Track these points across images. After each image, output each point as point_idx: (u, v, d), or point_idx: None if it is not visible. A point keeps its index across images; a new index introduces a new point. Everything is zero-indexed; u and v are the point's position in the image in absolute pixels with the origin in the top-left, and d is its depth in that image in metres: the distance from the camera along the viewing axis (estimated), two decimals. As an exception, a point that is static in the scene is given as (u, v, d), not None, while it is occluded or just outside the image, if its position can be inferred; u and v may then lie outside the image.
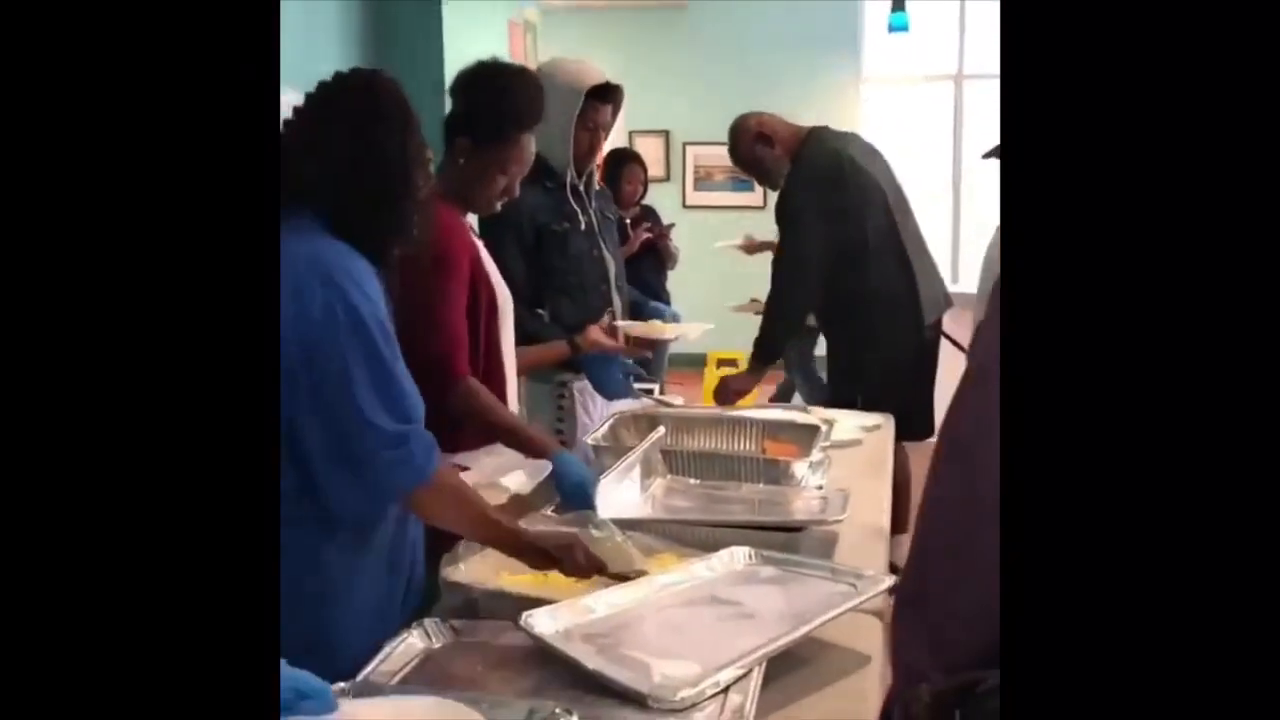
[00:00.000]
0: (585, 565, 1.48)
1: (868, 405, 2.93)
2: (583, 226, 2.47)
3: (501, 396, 2.00)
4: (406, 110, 1.49)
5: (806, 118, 7.39)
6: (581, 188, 2.50)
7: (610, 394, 2.36)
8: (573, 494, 1.84)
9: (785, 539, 1.70)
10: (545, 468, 1.91)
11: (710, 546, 1.62)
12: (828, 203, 3.11)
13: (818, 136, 3.36)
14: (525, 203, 2.24)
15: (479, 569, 1.58)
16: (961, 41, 7.79)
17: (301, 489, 1.36)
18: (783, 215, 3.29)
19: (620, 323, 2.45)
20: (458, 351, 1.89)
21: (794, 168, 3.23)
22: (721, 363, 5.50)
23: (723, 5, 7.81)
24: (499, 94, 1.96)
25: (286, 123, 1.48)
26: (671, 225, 5.17)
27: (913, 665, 0.94)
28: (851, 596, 1.34)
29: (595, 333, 2.27)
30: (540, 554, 1.48)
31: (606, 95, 2.45)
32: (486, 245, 2.11)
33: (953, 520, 0.94)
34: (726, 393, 3.22)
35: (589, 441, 2.19)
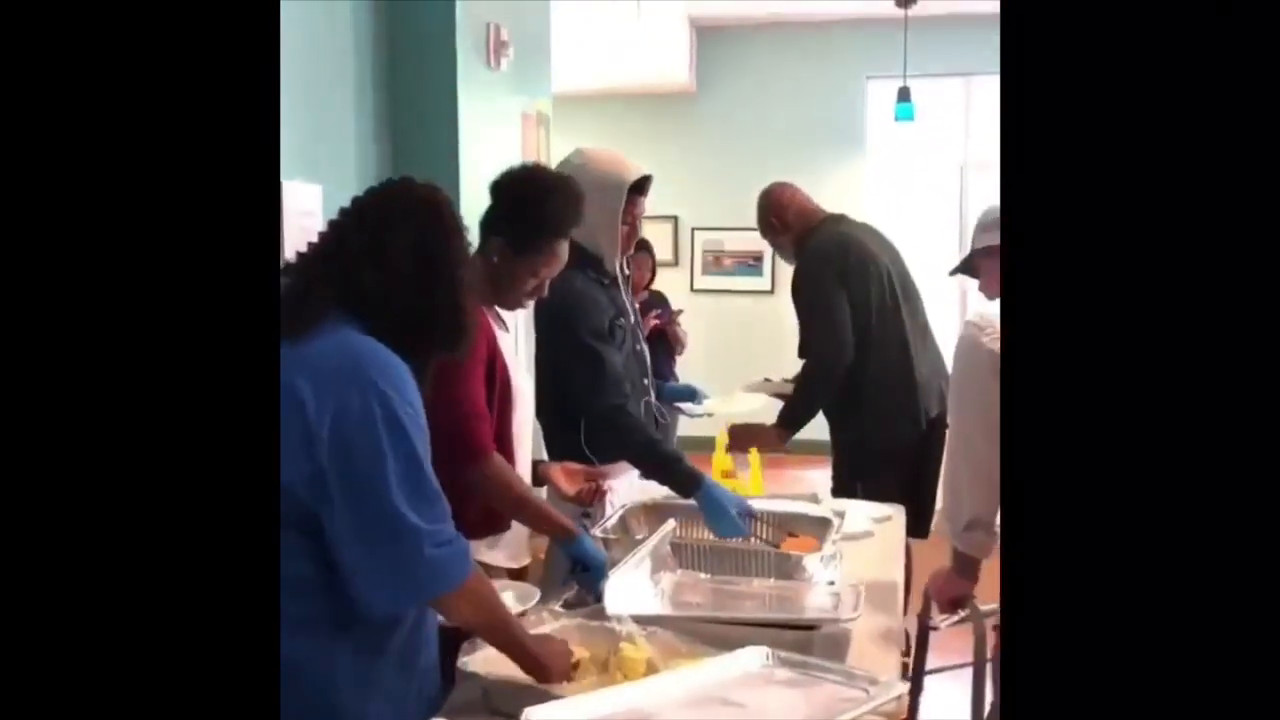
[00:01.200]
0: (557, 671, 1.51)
1: (868, 497, 2.92)
2: (632, 319, 2.52)
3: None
4: (461, 225, 1.53)
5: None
6: (622, 281, 2.54)
7: (723, 533, 2.21)
8: (593, 575, 1.90)
9: (797, 637, 1.70)
10: (534, 593, 1.93)
11: (724, 644, 1.61)
12: (839, 281, 3.18)
13: (829, 221, 3.41)
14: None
15: (496, 659, 1.58)
16: (966, 130, 7.92)
17: (322, 584, 1.36)
18: (798, 290, 3.32)
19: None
20: (481, 425, 1.91)
21: (806, 247, 3.32)
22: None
23: (731, 93, 7.97)
24: (539, 203, 2.01)
25: (335, 223, 1.51)
26: (679, 311, 5.21)
27: None
28: (862, 703, 1.33)
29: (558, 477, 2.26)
30: (535, 662, 1.50)
31: (643, 187, 2.50)
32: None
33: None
34: (744, 438, 3.13)
35: (597, 533, 2.19)
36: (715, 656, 1.52)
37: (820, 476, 5.20)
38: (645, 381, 2.53)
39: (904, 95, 6.79)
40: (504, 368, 2.03)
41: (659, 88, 7.84)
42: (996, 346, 1.97)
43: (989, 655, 2.11)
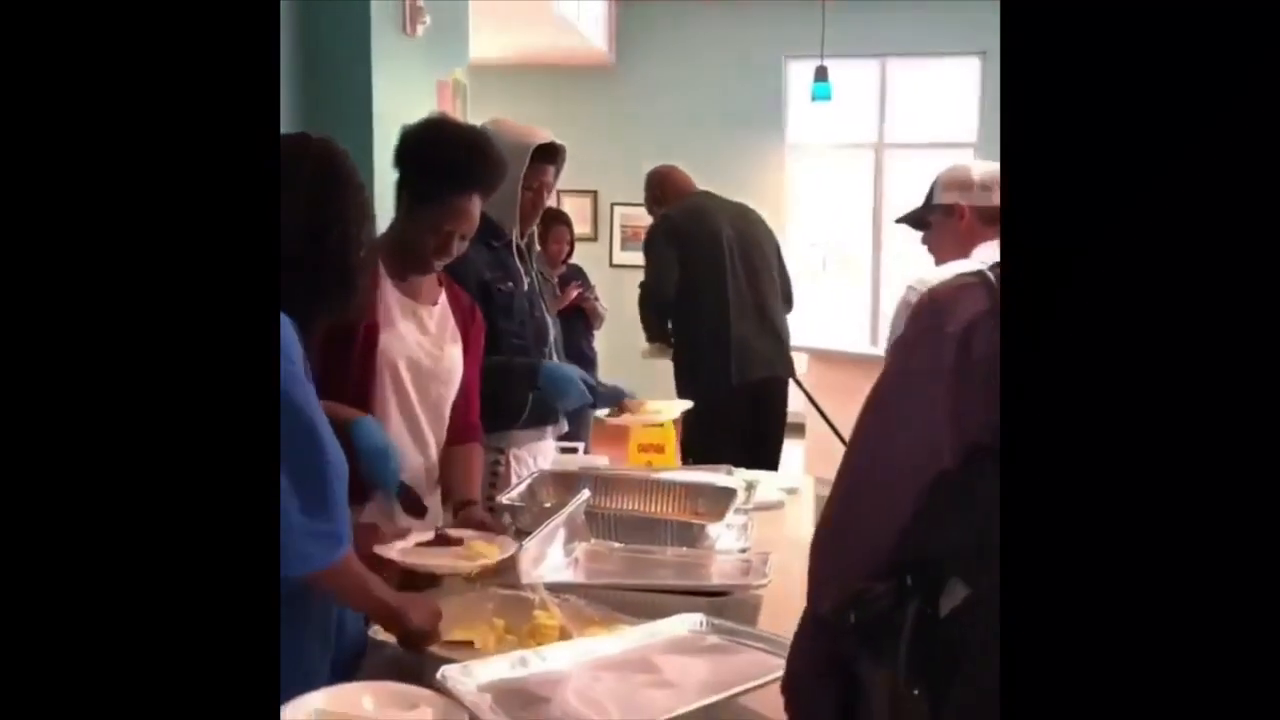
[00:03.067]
0: (416, 631, 1.47)
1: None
2: (525, 287, 2.48)
3: None
4: (358, 181, 1.49)
5: (732, 180, 7.49)
6: (524, 247, 2.52)
7: (570, 404, 2.40)
8: (374, 460, 1.82)
9: (710, 603, 1.72)
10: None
11: (638, 611, 1.63)
12: (671, 239, 3.79)
13: (692, 196, 4.08)
14: (473, 259, 2.24)
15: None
16: (882, 111, 8.04)
17: None
18: (644, 242, 4.05)
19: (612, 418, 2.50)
20: None
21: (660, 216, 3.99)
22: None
23: (650, 68, 7.97)
24: (434, 151, 1.97)
25: None
26: (593, 287, 5.22)
27: (823, 583, 1.18)
28: (778, 670, 1.36)
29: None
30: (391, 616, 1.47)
31: (550, 155, 2.48)
32: None
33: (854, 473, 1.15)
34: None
35: (504, 500, 2.19)
36: (638, 624, 1.54)
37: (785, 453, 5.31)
38: (544, 349, 2.51)
39: (821, 75, 6.86)
40: (371, 348, 1.98)
41: (578, 60, 7.81)
42: None
43: None
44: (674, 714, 1.23)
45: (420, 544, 1.82)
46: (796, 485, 2.80)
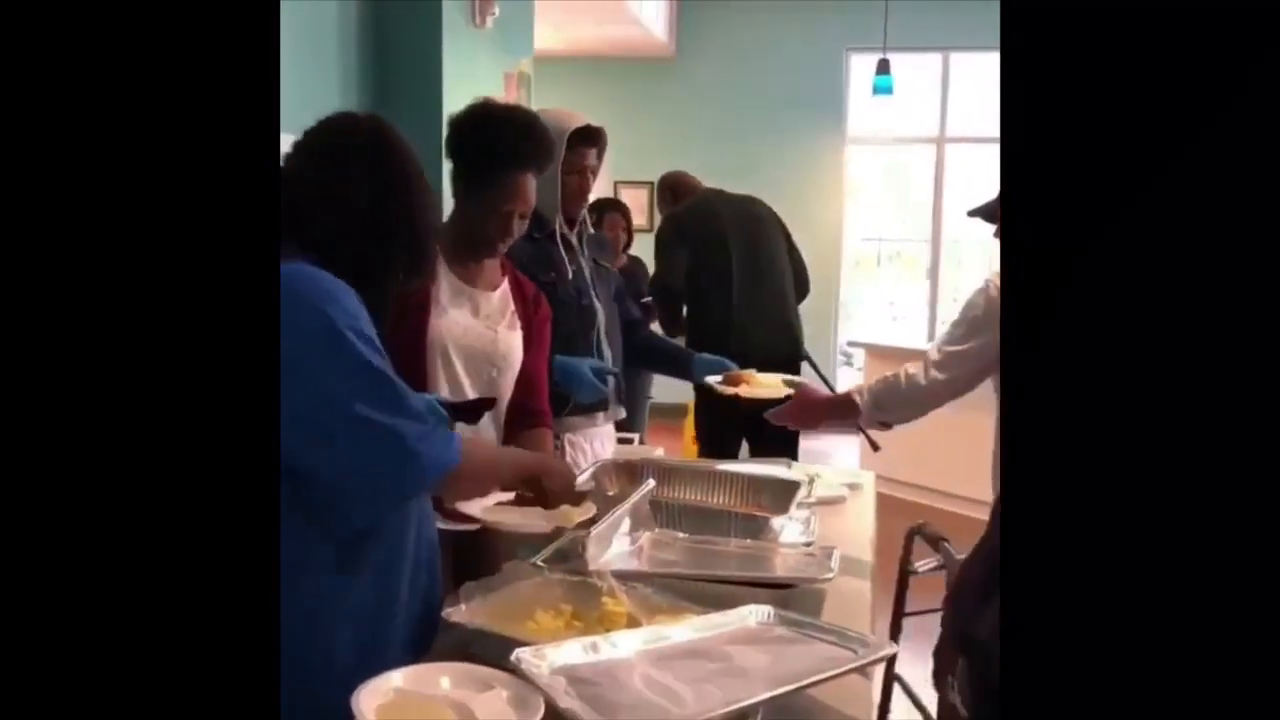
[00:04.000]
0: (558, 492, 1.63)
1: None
2: (570, 275, 2.49)
3: None
4: (412, 153, 1.50)
5: (791, 174, 7.46)
6: (573, 237, 2.52)
7: (585, 395, 2.42)
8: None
9: (773, 595, 1.74)
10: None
11: (703, 601, 1.65)
12: (679, 235, 3.96)
13: (699, 193, 4.23)
14: (510, 255, 2.24)
15: (479, 611, 1.61)
16: (944, 106, 7.96)
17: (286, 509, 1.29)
18: (656, 240, 4.14)
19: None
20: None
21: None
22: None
23: (711, 61, 7.96)
24: (484, 131, 2.01)
25: (285, 159, 1.48)
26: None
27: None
28: (845, 662, 1.37)
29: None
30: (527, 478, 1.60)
31: (590, 139, 2.48)
32: None
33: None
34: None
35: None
36: (705, 614, 1.56)
37: (834, 444, 5.33)
38: (591, 338, 2.51)
39: (883, 68, 6.83)
40: (423, 316, 2.01)
41: (640, 52, 7.83)
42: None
43: None
44: (745, 702, 1.24)
45: (501, 504, 1.84)
46: (858, 480, 2.80)
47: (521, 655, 1.36)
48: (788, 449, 3.81)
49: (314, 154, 1.48)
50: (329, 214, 1.43)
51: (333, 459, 1.32)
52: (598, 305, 2.53)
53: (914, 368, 2.32)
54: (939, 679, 1.41)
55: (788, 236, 4.23)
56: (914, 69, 7.58)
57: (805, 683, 1.33)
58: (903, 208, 8.41)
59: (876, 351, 5.93)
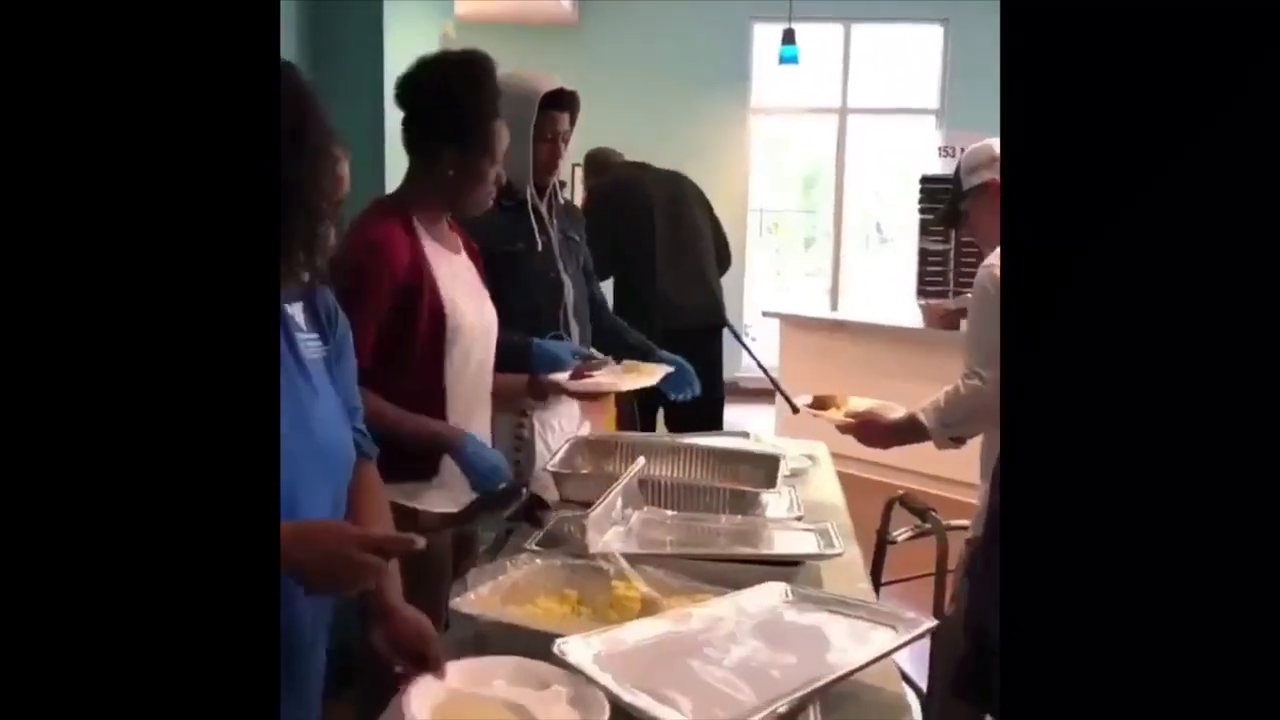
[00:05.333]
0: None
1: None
2: (539, 247, 2.37)
3: (442, 417, 1.95)
4: (306, 111, 1.23)
5: (694, 142, 7.43)
6: (543, 207, 2.41)
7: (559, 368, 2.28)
8: (487, 478, 1.89)
9: (775, 572, 1.71)
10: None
11: (705, 579, 1.61)
12: (606, 207, 3.98)
13: (620, 166, 4.38)
14: (476, 224, 2.12)
15: (488, 599, 1.54)
16: (846, 76, 8.04)
17: None
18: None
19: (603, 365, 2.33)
20: None
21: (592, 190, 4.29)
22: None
23: (614, 28, 7.86)
24: (464, 87, 1.90)
25: None
26: None
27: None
28: (888, 638, 1.35)
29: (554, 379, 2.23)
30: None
31: (563, 103, 2.36)
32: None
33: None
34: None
35: (548, 470, 2.15)
36: (721, 594, 1.52)
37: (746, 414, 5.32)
38: (557, 313, 2.40)
39: (789, 37, 6.84)
40: (435, 296, 1.90)
41: (541, 17, 7.67)
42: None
43: (950, 567, 2.22)
44: (808, 689, 1.21)
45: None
46: (813, 452, 2.79)
47: (565, 646, 1.30)
48: (711, 421, 3.81)
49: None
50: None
51: None
52: (566, 279, 2.42)
53: (966, 376, 2.20)
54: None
55: (710, 210, 4.28)
56: (817, 40, 7.62)
57: (863, 663, 1.31)
58: (807, 177, 8.49)
59: (789, 320, 5.97)
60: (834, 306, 7.78)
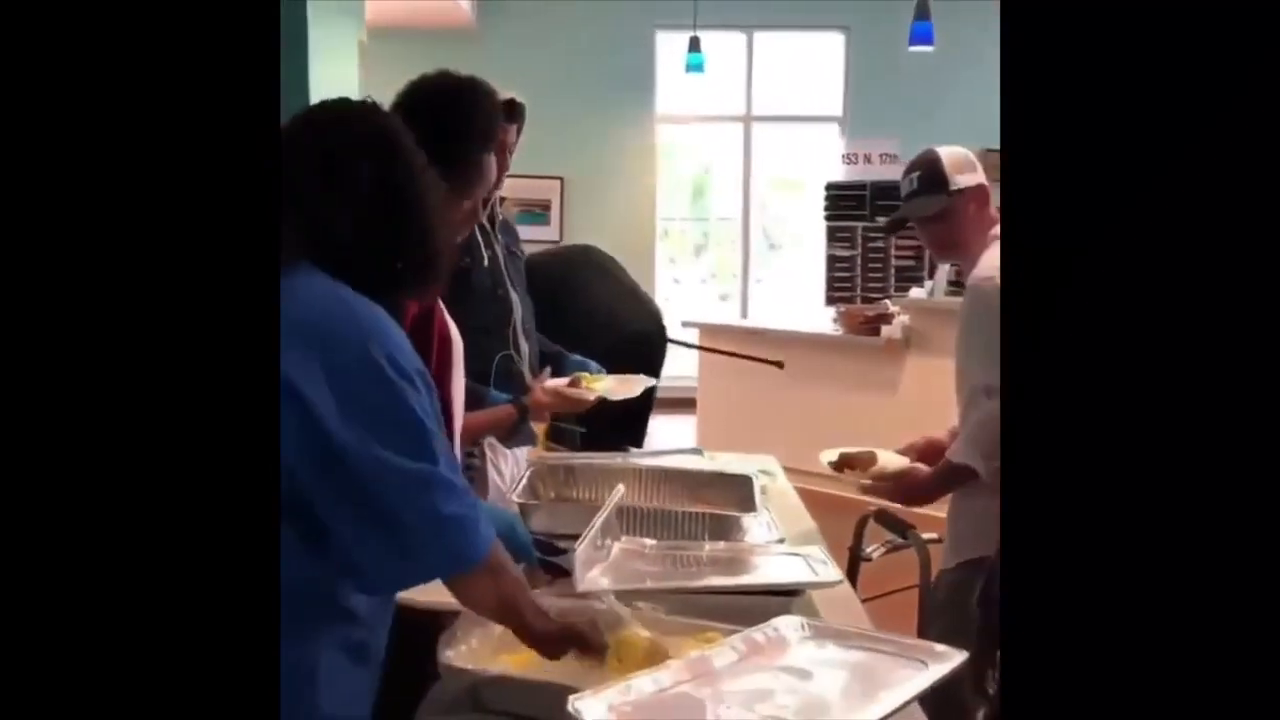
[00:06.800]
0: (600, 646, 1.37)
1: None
2: (485, 263, 2.27)
3: (452, 441, 1.84)
4: (413, 144, 1.32)
5: (600, 152, 7.38)
6: (485, 220, 2.31)
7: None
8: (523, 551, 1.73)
9: (771, 603, 1.62)
10: None
11: (712, 615, 1.52)
12: None
13: None
14: None
15: (479, 651, 1.42)
16: (749, 85, 8.06)
17: (308, 574, 1.16)
18: None
19: (552, 382, 2.25)
20: None
21: None
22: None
23: (515, 34, 7.72)
24: (456, 112, 1.80)
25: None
26: None
27: None
28: (925, 673, 1.28)
29: (539, 394, 2.14)
30: (565, 640, 1.34)
31: (512, 114, 2.28)
32: None
33: None
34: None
35: (514, 499, 2.04)
36: (730, 630, 1.43)
37: (672, 429, 5.22)
38: (507, 332, 2.31)
39: (695, 45, 6.82)
40: (442, 324, 1.81)
41: (438, 21, 7.49)
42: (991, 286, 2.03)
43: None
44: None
45: None
46: (767, 467, 2.73)
47: (580, 705, 1.19)
48: (635, 435, 3.71)
49: (311, 146, 1.26)
50: (340, 212, 1.24)
51: (361, 513, 1.16)
52: (513, 296, 2.33)
53: (979, 397, 2.09)
54: (980, 676, 1.35)
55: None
56: (721, 47, 7.62)
57: (899, 705, 1.23)
58: (714, 182, 8.48)
59: (710, 330, 5.92)
60: (744, 314, 7.79)
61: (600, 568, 1.71)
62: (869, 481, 2.20)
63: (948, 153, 2.30)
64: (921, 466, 2.22)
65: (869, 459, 2.19)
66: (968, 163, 2.27)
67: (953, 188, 2.23)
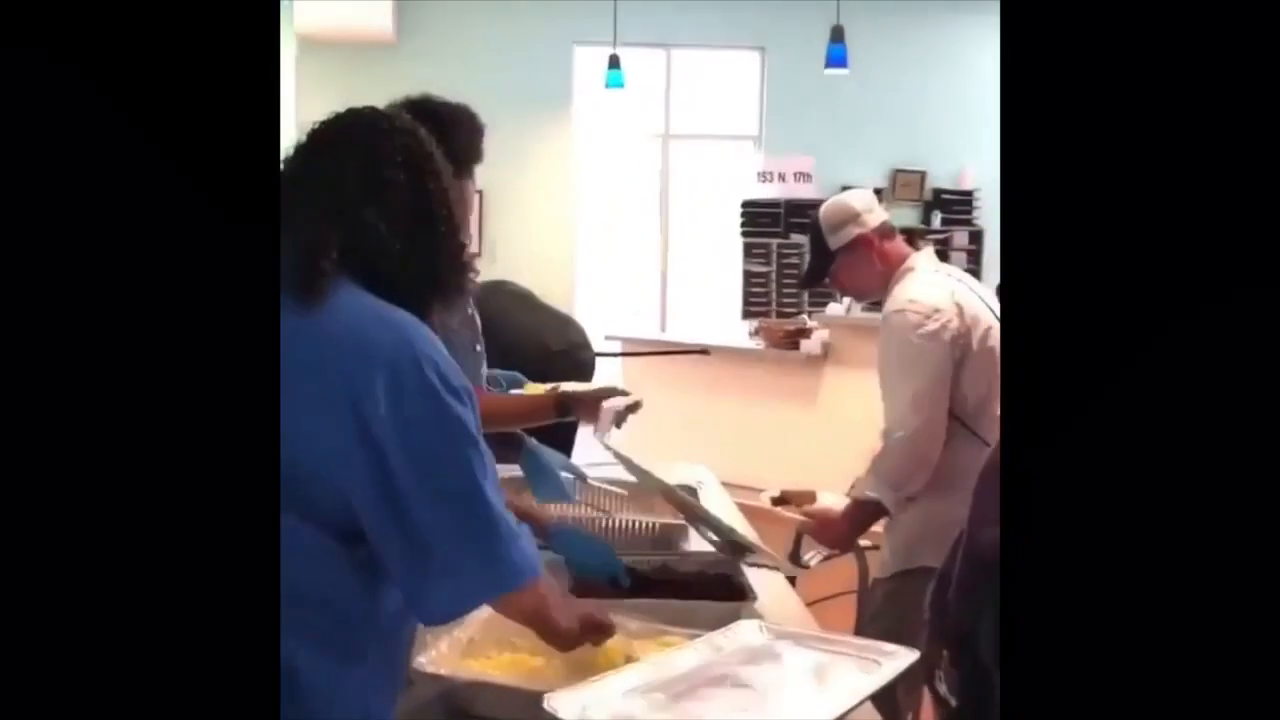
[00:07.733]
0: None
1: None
2: None
3: None
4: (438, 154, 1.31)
5: (518, 167, 7.36)
6: None
7: (547, 495, 2.01)
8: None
9: (729, 609, 1.68)
10: None
11: (671, 621, 1.57)
12: None
13: None
14: None
15: (448, 656, 1.45)
16: (668, 102, 8.15)
17: (348, 593, 1.17)
18: None
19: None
20: None
21: None
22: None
23: (433, 47, 7.69)
24: (467, 135, 1.84)
25: (307, 163, 1.26)
26: None
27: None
28: (881, 671, 1.35)
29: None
30: (584, 633, 1.37)
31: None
32: None
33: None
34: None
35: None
36: (690, 635, 1.48)
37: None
38: (478, 347, 2.30)
39: (614, 63, 6.87)
40: None
41: (357, 35, 7.44)
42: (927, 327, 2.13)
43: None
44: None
45: None
46: (700, 476, 2.78)
47: (556, 704, 1.23)
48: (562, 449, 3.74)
49: (343, 154, 1.24)
50: (379, 224, 1.22)
51: (429, 528, 1.14)
52: (473, 313, 2.34)
53: (889, 431, 2.19)
54: (929, 676, 1.43)
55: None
56: (639, 64, 7.70)
57: (860, 700, 1.30)
58: (630, 201, 8.54)
59: (633, 344, 5.98)
60: (663, 328, 7.87)
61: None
62: (803, 519, 2.33)
63: (827, 211, 2.36)
64: (836, 509, 2.32)
65: (808, 497, 2.31)
66: (848, 215, 2.32)
67: (833, 248, 2.31)
